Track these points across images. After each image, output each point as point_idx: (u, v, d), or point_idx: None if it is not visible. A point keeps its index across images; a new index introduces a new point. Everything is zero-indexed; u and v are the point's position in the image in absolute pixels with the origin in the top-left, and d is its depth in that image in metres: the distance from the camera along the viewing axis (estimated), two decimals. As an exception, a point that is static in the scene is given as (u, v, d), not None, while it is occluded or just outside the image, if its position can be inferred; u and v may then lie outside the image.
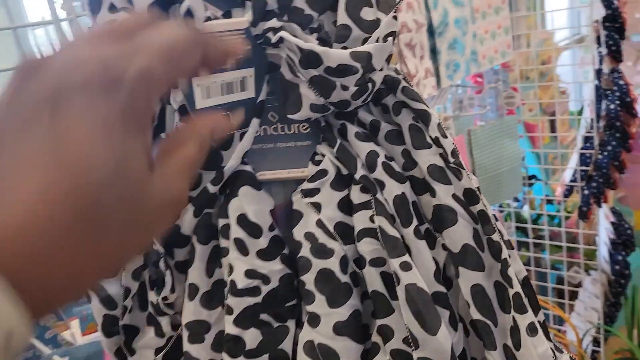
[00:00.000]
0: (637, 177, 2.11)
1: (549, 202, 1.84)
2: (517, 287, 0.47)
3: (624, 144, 1.48)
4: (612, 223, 1.66)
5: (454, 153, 0.50)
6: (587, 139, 1.64)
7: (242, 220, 0.48)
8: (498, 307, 0.48)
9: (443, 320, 0.45)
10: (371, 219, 0.48)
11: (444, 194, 0.48)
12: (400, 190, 0.49)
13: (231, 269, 0.48)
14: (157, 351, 0.53)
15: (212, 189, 0.49)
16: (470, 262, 0.47)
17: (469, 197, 0.49)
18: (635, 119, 1.49)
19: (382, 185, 0.49)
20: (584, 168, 1.61)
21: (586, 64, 2.57)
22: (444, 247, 0.49)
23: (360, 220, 0.49)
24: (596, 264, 1.69)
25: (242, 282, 0.47)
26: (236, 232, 0.48)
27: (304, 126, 0.52)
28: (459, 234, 0.48)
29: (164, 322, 0.52)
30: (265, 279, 0.48)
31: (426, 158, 0.50)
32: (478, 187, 0.50)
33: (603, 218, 1.67)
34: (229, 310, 0.48)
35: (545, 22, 2.42)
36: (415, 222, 0.48)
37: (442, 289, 0.47)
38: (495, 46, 1.56)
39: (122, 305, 0.51)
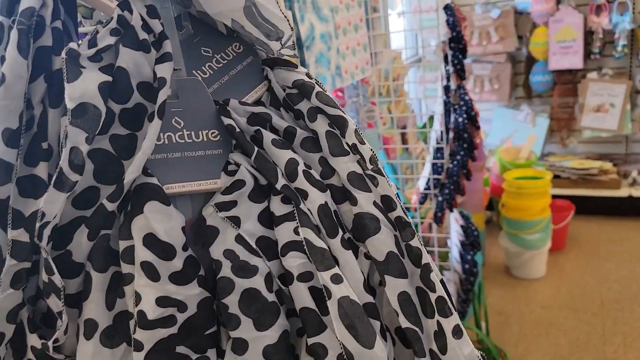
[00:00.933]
0: (474, 184, 2.36)
1: (406, 209, 1.96)
2: (440, 291, 0.47)
3: (470, 154, 1.63)
4: (462, 226, 1.82)
5: (373, 159, 0.49)
6: (438, 150, 1.78)
7: (150, 240, 0.42)
8: (421, 313, 0.48)
9: (376, 331, 0.44)
10: (295, 231, 0.45)
11: (365, 202, 0.47)
12: (323, 199, 0.46)
13: (138, 298, 0.42)
14: (41, 406, 0.43)
15: (110, 206, 0.42)
16: (396, 270, 0.46)
17: (387, 204, 0.49)
18: (479, 131, 1.66)
19: (304, 194, 0.46)
20: (436, 177, 1.74)
21: (426, 82, 2.82)
22: (366, 256, 0.48)
23: (283, 234, 0.45)
24: (449, 265, 1.83)
25: (153, 312, 0.41)
26: (143, 254, 0.42)
27: (213, 133, 0.48)
28: (383, 242, 0.47)
29: (51, 370, 0.43)
30: (182, 306, 0.42)
31: (345, 165, 0.48)
32: (397, 193, 0.50)
33: (453, 222, 1.82)
34: (138, 346, 0.41)
35: (390, 42, 2.60)
36: (340, 232, 0.46)
37: (372, 299, 0.46)
38: (355, 62, 1.63)
39: (-6, 356, 0.41)
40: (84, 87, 0.40)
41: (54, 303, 0.42)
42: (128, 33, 0.42)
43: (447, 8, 1.54)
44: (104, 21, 0.43)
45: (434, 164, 1.78)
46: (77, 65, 0.40)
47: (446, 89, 1.63)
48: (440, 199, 1.71)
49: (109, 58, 0.42)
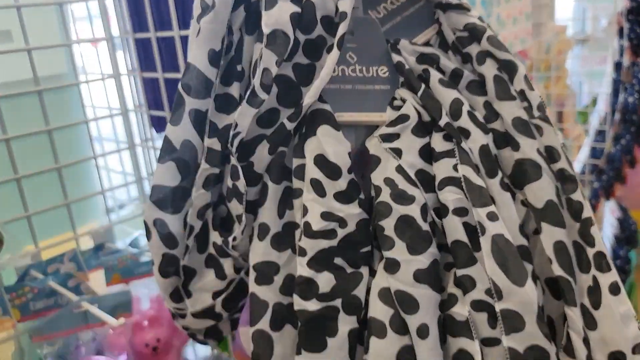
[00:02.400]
0: (637, 177, 2.14)
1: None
2: (599, 246, 0.46)
3: (638, 138, 1.48)
4: (618, 218, 1.67)
5: (540, 107, 0.48)
6: (599, 133, 1.65)
7: (320, 160, 0.46)
8: (576, 267, 0.46)
9: (528, 273, 0.44)
10: (454, 168, 0.46)
11: (529, 148, 0.47)
12: (485, 140, 0.47)
13: (305, 211, 0.46)
14: (215, 295, 0.50)
15: (289, 125, 0.47)
16: (553, 218, 0.46)
17: (551, 154, 0.48)
18: (652, 114, 1.50)
19: (466, 134, 0.47)
20: (594, 161, 1.62)
21: (591, 62, 2.59)
22: (523, 203, 0.48)
23: (442, 169, 0.47)
24: (597, 257, 1.70)
25: (317, 224, 0.45)
26: (313, 172, 0.46)
27: (382, 70, 0.50)
28: (543, 189, 0.46)
29: (227, 264, 0.50)
30: (342, 223, 0.46)
31: (510, 110, 0.48)
32: (563, 144, 0.48)
33: (609, 213, 1.68)
34: (302, 252, 0.46)
35: (555, 15, 2.41)
36: (500, 174, 0.47)
37: (526, 243, 0.46)
38: (515, 32, 1.55)
39: (184, 245, 0.49)
40: (278, 15, 0.44)
41: (235, 207, 0.48)
42: None
43: (629, -25, 1.40)
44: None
45: (592, 148, 1.65)
46: None
47: (617, 65, 1.49)
48: (596, 185, 1.58)
49: None
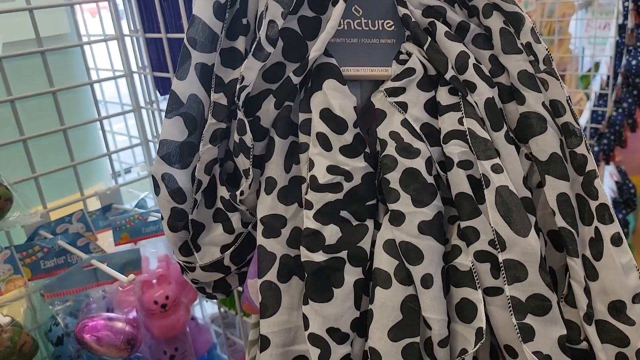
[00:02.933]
0: (637, 142, 2.14)
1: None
2: (602, 198, 0.47)
3: (640, 102, 1.48)
4: (616, 182, 1.69)
5: (547, 59, 0.48)
6: (601, 97, 1.64)
7: (326, 114, 0.46)
8: (579, 219, 0.47)
9: (531, 224, 0.45)
10: (460, 122, 0.47)
11: (534, 101, 0.47)
12: (491, 94, 0.47)
13: (312, 165, 0.47)
14: (224, 248, 0.51)
15: (295, 79, 0.47)
16: (558, 171, 0.46)
17: (556, 108, 0.48)
18: (655, 77, 1.49)
19: (472, 87, 0.47)
20: (595, 125, 1.62)
21: (594, 27, 2.55)
22: (527, 156, 0.48)
23: (447, 122, 0.47)
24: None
25: (323, 178, 0.46)
26: (319, 126, 0.46)
27: (388, 23, 0.50)
28: (548, 143, 0.47)
29: (235, 218, 0.51)
30: (348, 176, 0.47)
31: (516, 63, 0.48)
32: (569, 97, 0.49)
33: (608, 177, 1.69)
34: (309, 205, 0.46)
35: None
36: (505, 127, 0.47)
37: (529, 195, 0.46)
38: (520, -6, 1.53)
39: (192, 199, 0.50)
40: None
41: (242, 161, 0.49)
42: None
43: None
44: None
45: (593, 112, 1.64)
46: None
47: (621, 27, 1.48)
48: (596, 149, 1.59)
49: None
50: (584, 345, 0.45)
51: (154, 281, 0.77)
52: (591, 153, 0.48)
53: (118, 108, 0.98)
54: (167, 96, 0.50)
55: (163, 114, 0.86)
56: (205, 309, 0.96)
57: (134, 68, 0.87)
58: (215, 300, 0.95)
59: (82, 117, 0.91)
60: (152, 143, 0.92)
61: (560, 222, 0.46)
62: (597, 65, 1.92)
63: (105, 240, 0.83)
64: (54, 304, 0.71)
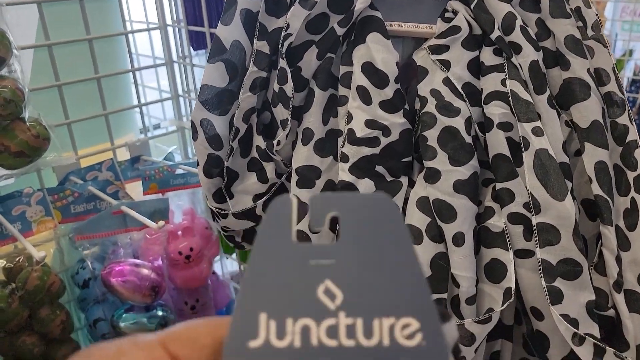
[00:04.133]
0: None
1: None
2: None
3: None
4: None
5: (595, 25, 0.47)
6: (633, 82, 1.61)
7: (368, 68, 0.46)
8: (615, 189, 0.47)
9: (568, 189, 0.44)
10: (502, 83, 0.46)
11: (579, 67, 0.46)
12: (536, 56, 0.47)
13: (350, 118, 0.47)
14: (256, 197, 0.52)
15: (340, 30, 0.47)
16: (597, 139, 0.46)
17: (599, 77, 0.47)
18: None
19: (517, 49, 0.47)
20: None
21: (630, 14, 2.48)
22: (567, 123, 0.48)
23: (490, 83, 0.47)
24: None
25: (361, 131, 0.46)
26: (360, 79, 0.46)
27: (435, -19, 0.49)
28: (590, 110, 0.46)
29: (269, 168, 0.51)
30: (386, 131, 0.47)
31: (564, 28, 0.47)
32: (615, 66, 0.48)
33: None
34: (344, 158, 0.47)
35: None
36: (548, 91, 0.47)
37: (567, 160, 0.46)
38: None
39: (229, 146, 0.50)
40: None
41: (280, 111, 0.49)
42: None
43: None
44: None
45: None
46: None
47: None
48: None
49: None
50: (611, 312, 0.45)
51: (179, 233, 0.78)
52: (634, 124, 0.47)
53: (151, 62, 0.99)
54: (200, 51, 0.50)
55: (195, 69, 0.86)
56: (226, 266, 0.97)
57: (168, 21, 0.87)
58: (235, 258, 0.96)
59: (115, 68, 0.92)
60: (183, 98, 0.92)
61: (596, 189, 0.45)
62: (630, 52, 1.87)
63: (133, 191, 0.84)
64: (82, 248, 0.73)
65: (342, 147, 0.47)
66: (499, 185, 0.46)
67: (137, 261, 0.73)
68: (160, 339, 0.19)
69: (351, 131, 0.46)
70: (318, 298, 0.18)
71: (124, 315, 0.72)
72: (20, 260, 0.68)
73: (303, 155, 0.48)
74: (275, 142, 0.49)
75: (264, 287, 0.18)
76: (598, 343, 0.42)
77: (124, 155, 0.87)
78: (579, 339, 0.42)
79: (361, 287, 0.18)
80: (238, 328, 0.18)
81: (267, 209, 0.19)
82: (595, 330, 0.43)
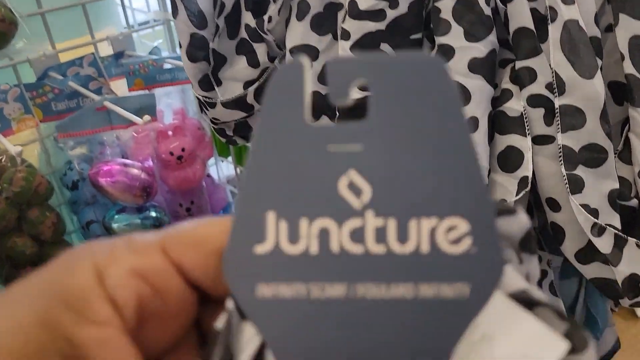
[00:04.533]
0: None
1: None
2: None
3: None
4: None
5: None
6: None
7: None
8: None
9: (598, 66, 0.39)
10: None
11: None
12: None
13: (352, -13, 0.41)
14: (247, 84, 0.47)
15: None
16: (635, 10, 0.40)
17: None
18: None
19: None
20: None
21: None
22: None
23: None
24: None
25: (365, 3, 0.40)
26: None
27: None
28: None
29: (260, 50, 0.46)
30: (393, 3, 0.41)
31: None
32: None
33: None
34: (345, 35, 0.41)
35: None
36: None
37: (599, 34, 0.41)
38: None
39: (214, 24, 0.44)
40: None
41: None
42: None
43: None
44: None
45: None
46: None
47: None
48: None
49: None
50: (633, 202, 0.42)
51: (170, 133, 0.74)
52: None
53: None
54: None
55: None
56: (222, 170, 0.94)
57: None
58: (231, 161, 0.93)
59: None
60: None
61: (628, 68, 0.40)
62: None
63: (118, 89, 0.79)
64: (67, 148, 0.69)
65: (343, 23, 0.41)
66: (519, 64, 0.41)
67: (126, 161, 0.70)
68: (161, 241, 0.17)
69: (353, 4, 0.41)
70: (340, 194, 0.14)
71: (115, 216, 0.70)
72: (3, 160, 0.65)
73: (298, 33, 0.43)
74: (266, 18, 0.43)
75: (271, 180, 0.15)
76: (619, 234, 0.39)
77: (106, 51, 0.81)
78: (599, 230, 0.39)
79: (395, 179, 0.14)
80: (241, 230, 0.15)
81: (271, 79, 0.14)
82: (616, 220, 0.40)
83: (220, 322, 0.15)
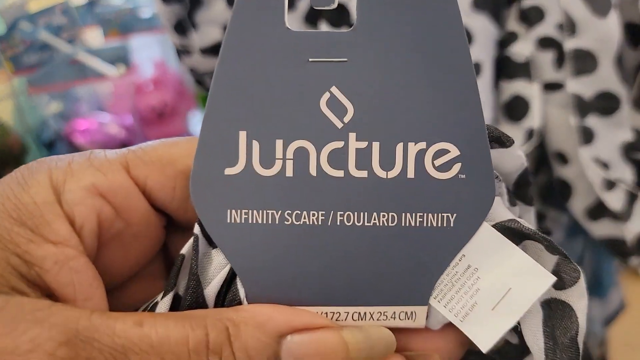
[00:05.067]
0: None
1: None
2: None
3: None
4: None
5: None
6: None
7: None
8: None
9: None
10: None
11: None
12: None
13: None
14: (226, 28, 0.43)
15: None
16: None
17: None
18: None
19: None
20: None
21: None
22: None
23: None
24: None
25: None
26: None
27: None
28: None
29: None
30: None
31: None
32: None
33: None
34: None
35: None
36: None
37: (615, -33, 0.36)
38: None
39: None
40: None
41: None
42: None
43: None
44: None
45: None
46: None
47: None
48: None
49: None
50: (647, 154, 0.38)
51: (150, 87, 0.69)
52: None
53: None
54: None
55: None
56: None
57: None
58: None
59: None
60: None
61: None
62: None
63: (94, 36, 0.74)
64: (42, 104, 0.65)
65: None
66: (526, 2, 0.37)
67: (104, 118, 0.66)
68: (124, 159, 0.15)
69: None
70: (320, 112, 0.13)
71: (95, 176, 0.66)
72: (-27, 117, 0.61)
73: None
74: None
75: (242, 96, 0.13)
76: (630, 190, 0.36)
77: (80, -1, 0.76)
78: (609, 184, 0.36)
79: (382, 99, 0.12)
80: (209, 151, 0.13)
81: None
82: (628, 174, 0.37)
83: (185, 249, 0.14)
